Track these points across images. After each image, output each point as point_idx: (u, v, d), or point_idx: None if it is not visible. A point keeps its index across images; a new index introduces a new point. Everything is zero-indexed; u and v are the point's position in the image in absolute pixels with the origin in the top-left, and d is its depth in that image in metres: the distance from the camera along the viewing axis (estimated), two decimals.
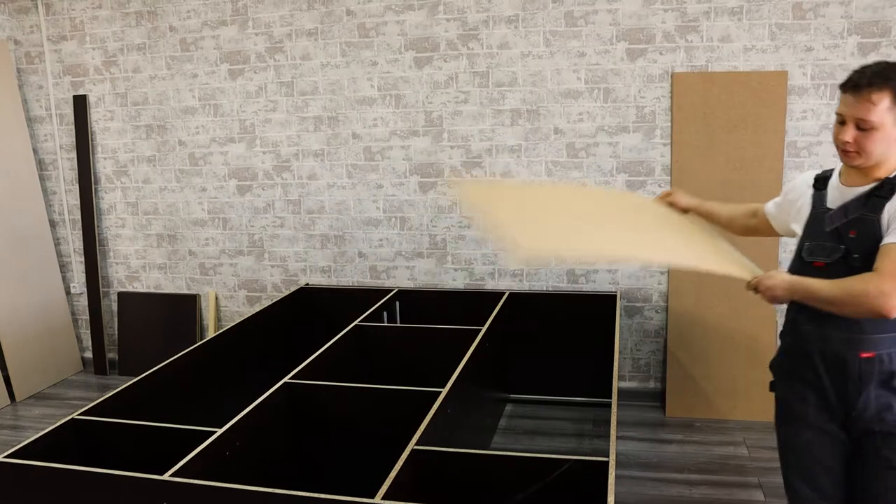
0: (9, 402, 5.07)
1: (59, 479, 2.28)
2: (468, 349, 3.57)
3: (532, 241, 2.13)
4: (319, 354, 3.39)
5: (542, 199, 2.62)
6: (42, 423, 4.68)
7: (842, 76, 4.08)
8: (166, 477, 2.21)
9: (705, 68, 4.27)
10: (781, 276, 2.21)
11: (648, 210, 2.78)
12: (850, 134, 2.04)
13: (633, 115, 4.40)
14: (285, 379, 3.09)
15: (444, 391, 2.89)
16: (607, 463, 2.26)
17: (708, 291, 4.41)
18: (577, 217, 2.51)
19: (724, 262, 2.48)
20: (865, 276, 2.00)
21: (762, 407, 4.39)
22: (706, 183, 4.34)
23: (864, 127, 2.02)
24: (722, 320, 4.41)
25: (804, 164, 4.23)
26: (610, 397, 4.40)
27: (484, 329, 3.72)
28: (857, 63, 4.07)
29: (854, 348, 2.13)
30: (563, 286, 4.69)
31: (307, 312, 4.88)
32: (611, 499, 2.02)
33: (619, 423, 4.18)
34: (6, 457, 2.42)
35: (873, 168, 2.10)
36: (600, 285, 4.65)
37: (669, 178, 4.42)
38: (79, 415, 2.84)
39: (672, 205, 2.83)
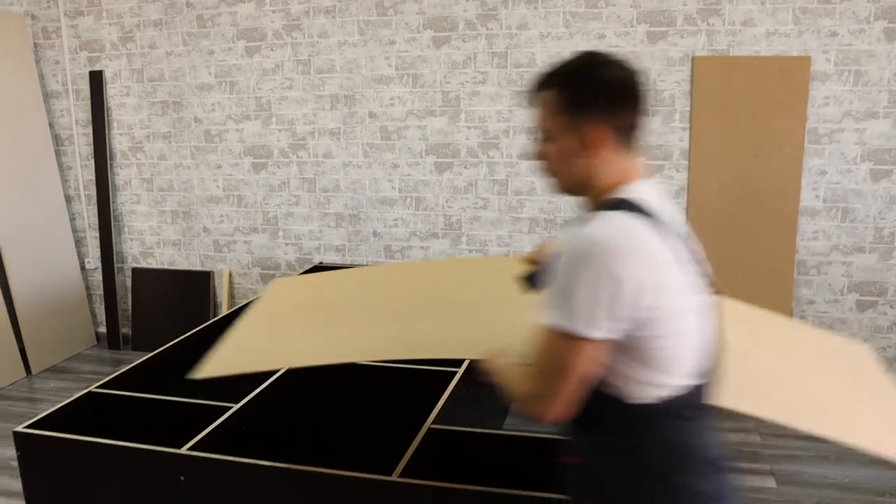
0: (24, 374, 5.10)
1: (79, 451, 2.29)
2: None
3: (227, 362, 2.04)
4: None
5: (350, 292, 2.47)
6: (57, 395, 4.71)
7: (867, 62, 4.07)
8: (184, 451, 2.22)
9: (727, 52, 4.23)
10: (499, 362, 1.63)
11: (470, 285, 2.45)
12: (535, 146, 1.59)
13: (651, 98, 4.37)
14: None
15: (460, 371, 2.89)
16: None
17: (726, 277, 4.36)
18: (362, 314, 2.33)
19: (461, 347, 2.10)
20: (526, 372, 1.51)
21: None
22: (725, 168, 4.31)
23: (542, 137, 1.56)
24: None
25: (825, 151, 4.20)
26: None
27: None
28: (882, 49, 4.06)
29: (565, 449, 1.64)
30: None
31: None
32: None
33: None
34: (26, 427, 2.43)
35: (584, 194, 1.56)
36: None
37: (687, 162, 4.38)
38: (95, 388, 2.85)
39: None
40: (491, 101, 4.59)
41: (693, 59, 4.27)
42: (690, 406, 1.51)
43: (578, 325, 1.37)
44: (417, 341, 2.10)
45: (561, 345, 1.40)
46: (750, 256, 4.34)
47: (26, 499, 2.46)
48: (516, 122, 4.57)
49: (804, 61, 4.12)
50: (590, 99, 1.45)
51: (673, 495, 1.50)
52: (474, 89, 4.60)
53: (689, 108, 4.34)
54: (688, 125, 4.36)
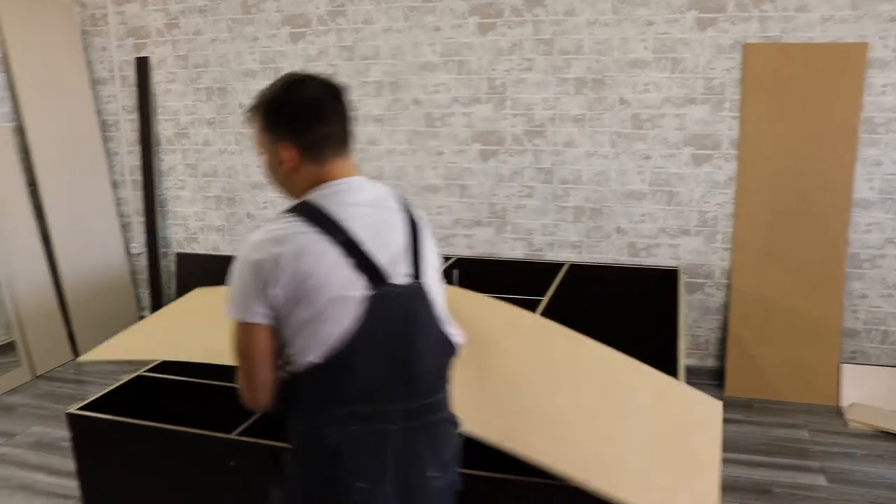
0: (72, 357, 5.17)
1: (129, 433, 2.30)
2: None
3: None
4: None
5: None
6: (104, 378, 4.77)
7: None
8: (234, 436, 2.22)
9: (779, 39, 4.13)
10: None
11: None
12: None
13: (701, 86, 4.28)
14: None
15: None
16: None
17: (774, 269, 4.30)
18: None
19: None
20: None
21: (825, 390, 4.29)
22: (775, 158, 4.22)
23: (257, 151, 1.73)
24: (787, 299, 4.30)
25: (881, 142, 4.09)
26: (669, 374, 4.36)
27: (546, 300, 3.68)
28: None
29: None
30: (624, 259, 4.62)
31: None
32: None
33: None
34: (79, 409, 2.45)
35: (291, 198, 1.72)
36: (661, 260, 4.57)
37: (736, 152, 4.30)
38: (145, 371, 2.87)
39: None
40: (537, 88, 4.54)
41: (744, 46, 4.17)
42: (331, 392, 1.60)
43: (240, 312, 1.58)
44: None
45: (238, 333, 1.61)
46: (799, 249, 4.25)
47: (79, 479, 2.48)
48: (562, 110, 4.52)
49: (861, 48, 4.01)
50: (280, 122, 1.63)
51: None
52: (520, 76, 4.55)
53: (739, 97, 4.25)
54: (738, 114, 4.27)
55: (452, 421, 1.75)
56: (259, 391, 1.62)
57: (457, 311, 2.19)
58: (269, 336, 1.60)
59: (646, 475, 1.88)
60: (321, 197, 1.62)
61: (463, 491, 1.79)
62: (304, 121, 1.62)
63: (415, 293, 1.63)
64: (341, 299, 1.55)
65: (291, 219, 1.58)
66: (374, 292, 1.57)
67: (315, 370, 1.57)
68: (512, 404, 2.03)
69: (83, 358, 2.32)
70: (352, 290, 1.56)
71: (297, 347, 1.59)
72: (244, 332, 1.60)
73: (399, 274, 1.62)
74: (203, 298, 2.71)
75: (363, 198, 1.65)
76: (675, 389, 2.25)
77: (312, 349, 1.56)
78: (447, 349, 1.69)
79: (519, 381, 1.94)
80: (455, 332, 1.73)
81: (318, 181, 1.64)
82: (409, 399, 1.61)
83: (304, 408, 1.63)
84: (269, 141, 1.66)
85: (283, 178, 1.68)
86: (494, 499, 1.99)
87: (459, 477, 1.78)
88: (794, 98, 4.14)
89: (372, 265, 1.58)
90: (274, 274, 1.54)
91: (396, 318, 1.60)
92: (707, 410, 2.20)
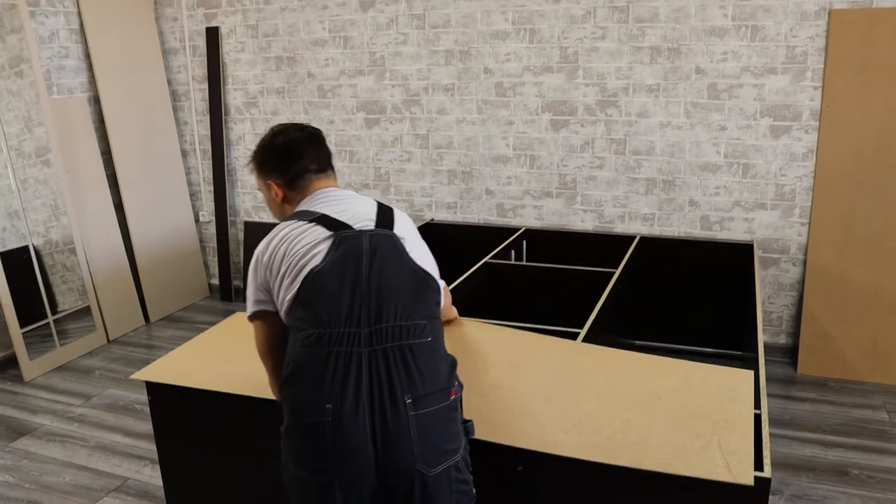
0: (144, 322, 5.28)
1: (205, 400, 2.33)
2: (601, 292, 3.48)
3: None
4: (452, 289, 3.36)
5: None
6: (174, 343, 4.86)
7: None
8: None
9: (868, 4, 3.96)
10: None
11: None
12: None
13: (782, 55, 4.14)
14: None
15: (582, 333, 2.82)
16: (759, 416, 2.14)
17: (853, 245, 4.17)
18: None
19: None
20: None
21: None
22: (858, 131, 4.06)
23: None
24: (866, 276, 4.17)
25: None
26: (740, 350, 4.28)
27: (617, 272, 3.62)
28: None
29: None
30: (696, 232, 4.52)
31: (433, 248, 4.82)
32: (766, 453, 1.92)
33: None
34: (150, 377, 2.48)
35: None
36: (735, 234, 4.46)
37: (817, 123, 4.16)
38: None
39: None
40: (610, 57, 4.44)
41: (830, 12, 4.02)
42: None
43: (250, 308, 1.92)
44: None
45: (253, 329, 1.96)
46: (880, 225, 4.10)
47: (157, 442, 2.53)
48: (636, 80, 4.42)
49: None
50: (266, 166, 2.01)
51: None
52: (593, 45, 4.46)
53: (822, 66, 4.10)
54: (820, 84, 4.12)
55: (452, 404, 1.78)
56: (270, 381, 2.00)
57: (486, 339, 2.37)
58: (271, 324, 1.91)
59: (674, 444, 1.90)
60: (303, 204, 1.96)
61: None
62: (285, 162, 1.97)
63: (377, 234, 1.82)
64: (312, 255, 1.79)
65: (283, 229, 1.89)
66: (335, 234, 1.81)
67: (291, 315, 1.80)
68: (539, 412, 2.06)
69: (136, 376, 2.43)
70: (320, 244, 1.80)
71: (287, 315, 1.83)
72: (254, 327, 1.95)
73: (367, 226, 1.85)
74: (240, 322, 2.83)
75: (335, 194, 1.95)
76: (701, 371, 2.29)
77: (291, 304, 1.81)
78: (420, 281, 1.81)
79: (549, 394, 1.95)
80: (436, 276, 1.89)
81: (303, 203, 1.97)
82: (375, 322, 1.72)
83: (288, 349, 1.82)
84: (262, 182, 2.03)
85: (278, 207, 2.04)
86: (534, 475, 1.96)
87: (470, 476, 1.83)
88: (882, 67, 3.98)
89: (336, 221, 1.84)
90: (264, 259, 1.86)
91: (356, 251, 1.78)
92: (737, 380, 2.22)
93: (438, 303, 1.86)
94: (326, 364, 1.70)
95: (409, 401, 1.67)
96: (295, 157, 1.97)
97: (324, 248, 1.79)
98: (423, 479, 1.69)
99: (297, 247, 1.81)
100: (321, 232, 1.81)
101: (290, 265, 1.80)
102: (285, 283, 1.80)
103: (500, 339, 2.53)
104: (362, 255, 1.77)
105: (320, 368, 1.70)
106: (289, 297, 1.79)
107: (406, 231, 1.90)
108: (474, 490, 1.84)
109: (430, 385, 1.71)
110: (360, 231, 1.81)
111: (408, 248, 1.84)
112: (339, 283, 1.75)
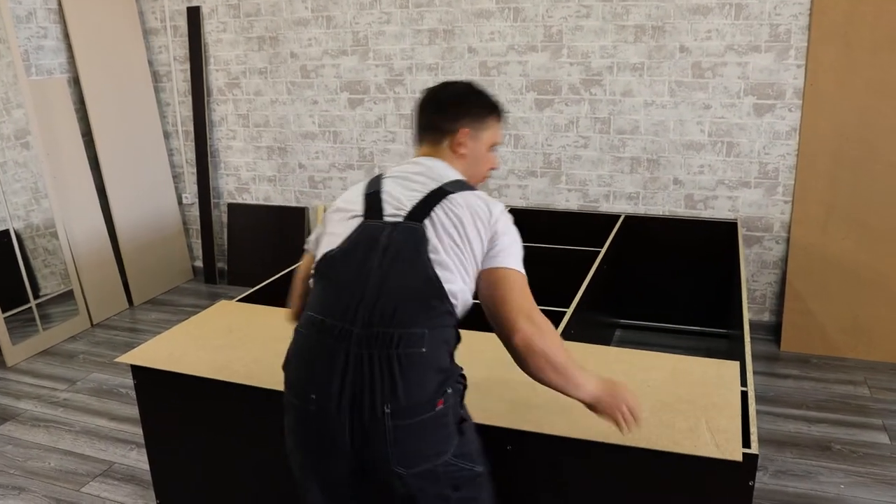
0: (127, 306, 5.26)
1: (191, 385, 2.32)
2: (587, 271, 3.49)
3: None
4: None
5: None
6: (158, 327, 4.84)
7: None
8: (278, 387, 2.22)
9: None
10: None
11: None
12: None
13: (765, 33, 4.14)
14: None
15: (569, 312, 2.83)
16: (745, 393, 2.16)
17: (836, 223, 4.19)
18: None
19: None
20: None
21: (886, 347, 4.20)
22: (841, 109, 4.08)
23: None
24: (848, 254, 4.20)
25: None
26: (725, 328, 4.30)
27: (602, 251, 3.63)
28: None
29: None
30: (681, 211, 4.53)
31: None
32: (753, 429, 1.93)
33: (731, 353, 4.07)
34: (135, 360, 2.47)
35: None
36: (719, 212, 4.47)
37: (801, 101, 4.17)
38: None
39: None
40: (595, 36, 4.42)
41: None
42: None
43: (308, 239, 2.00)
44: None
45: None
46: (863, 203, 4.12)
47: (143, 426, 2.52)
48: (620, 59, 4.41)
49: None
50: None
51: None
52: (577, 24, 4.44)
53: (805, 44, 4.10)
54: (803, 62, 4.12)
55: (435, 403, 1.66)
56: (289, 300, 2.03)
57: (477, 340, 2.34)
58: (309, 261, 1.92)
59: (663, 425, 1.94)
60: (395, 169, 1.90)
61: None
62: (417, 111, 1.93)
63: (400, 228, 1.71)
64: (343, 223, 1.78)
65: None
66: (363, 219, 1.75)
67: (312, 278, 1.81)
68: (530, 399, 2.09)
69: (120, 359, 2.39)
70: (348, 224, 1.77)
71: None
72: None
73: (397, 216, 1.74)
74: (228, 314, 2.81)
75: (408, 168, 1.85)
76: (688, 363, 2.33)
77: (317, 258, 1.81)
78: (431, 287, 1.67)
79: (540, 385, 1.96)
80: (453, 282, 1.70)
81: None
82: (369, 324, 1.63)
83: (298, 323, 1.82)
84: None
85: None
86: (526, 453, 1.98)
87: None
88: (864, 45, 3.99)
89: (376, 204, 1.77)
90: (330, 210, 1.86)
91: (371, 245, 1.71)
92: (724, 370, 2.27)
93: (451, 312, 1.69)
94: (318, 354, 1.67)
95: (388, 411, 1.60)
96: (420, 110, 1.92)
97: (347, 230, 1.75)
98: (401, 475, 1.65)
99: (338, 216, 1.81)
100: (358, 210, 1.78)
101: (326, 232, 1.81)
102: (320, 245, 1.83)
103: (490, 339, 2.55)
104: (376, 250, 1.70)
105: (312, 357, 1.68)
106: (314, 263, 1.81)
107: (446, 223, 1.72)
108: (479, 467, 1.76)
109: (415, 397, 1.62)
110: (385, 223, 1.72)
111: (432, 247, 1.69)
112: (345, 275, 1.70)
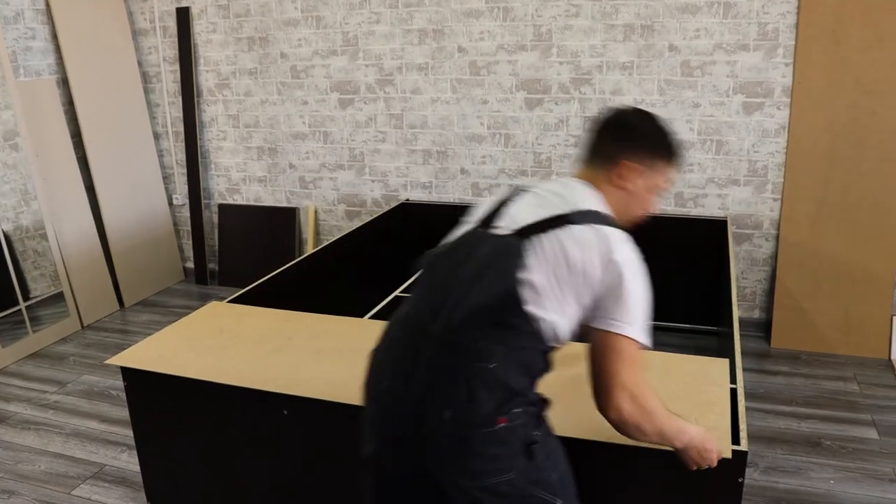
0: (118, 307, 5.24)
1: (179, 386, 2.32)
2: None
3: None
4: None
5: None
6: (149, 328, 4.83)
7: None
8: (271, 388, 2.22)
9: None
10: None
11: None
12: None
13: (754, 32, 4.16)
14: (395, 293, 3.07)
15: None
16: (735, 390, 2.17)
17: (825, 220, 4.21)
18: None
19: None
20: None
21: (876, 343, 4.23)
22: (830, 106, 4.09)
23: None
24: (838, 251, 4.21)
25: None
26: (715, 325, 4.31)
27: None
28: None
29: None
30: (671, 209, 4.55)
31: (408, 228, 4.87)
32: (742, 426, 1.95)
33: (721, 350, 4.08)
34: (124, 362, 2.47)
35: None
36: (709, 210, 4.49)
37: (789, 99, 4.18)
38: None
39: None
40: (584, 35, 4.43)
41: None
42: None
43: None
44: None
45: None
46: (852, 200, 4.14)
47: (133, 428, 2.51)
48: (610, 58, 4.42)
49: None
50: None
51: None
52: (567, 23, 4.45)
53: (793, 42, 4.12)
54: (792, 60, 4.14)
55: (489, 416, 1.61)
56: None
57: None
58: None
59: None
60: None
61: None
62: (589, 129, 1.83)
63: (498, 241, 1.66)
64: (461, 227, 1.80)
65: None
66: (473, 227, 1.75)
67: None
68: None
69: (110, 361, 2.39)
70: (469, 224, 1.78)
71: None
72: None
73: (504, 230, 1.69)
74: (220, 315, 2.82)
75: (553, 187, 1.77)
76: (678, 361, 2.35)
77: None
78: (506, 306, 1.61)
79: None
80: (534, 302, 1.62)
81: None
82: (446, 329, 1.62)
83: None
84: None
85: None
86: None
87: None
88: (852, 43, 4.00)
89: (492, 215, 1.74)
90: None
91: (469, 251, 1.69)
92: (714, 367, 2.29)
93: (536, 336, 1.62)
94: (399, 346, 1.70)
95: (447, 417, 1.58)
96: (590, 132, 1.83)
97: (456, 234, 1.77)
98: (457, 483, 1.62)
99: (465, 221, 1.84)
100: (478, 217, 1.77)
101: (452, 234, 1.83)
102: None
103: None
104: (471, 258, 1.67)
105: (393, 347, 1.71)
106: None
107: (555, 250, 1.62)
108: (558, 500, 1.67)
109: (475, 409, 1.58)
110: (488, 234, 1.69)
111: (526, 268, 1.61)
112: (438, 276, 1.70)
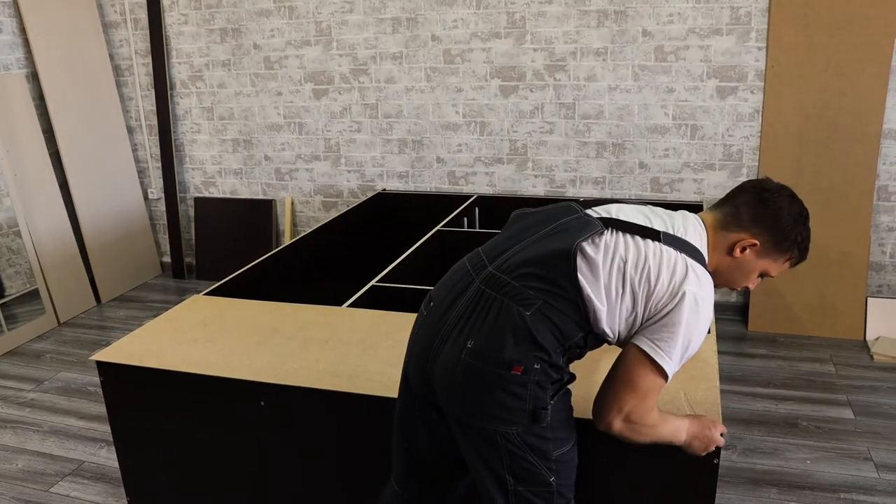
0: (94, 304, 5.20)
1: (156, 379, 2.30)
2: None
3: None
4: (404, 259, 3.36)
5: None
6: (127, 324, 4.79)
7: None
8: (261, 379, 2.21)
9: None
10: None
11: None
12: None
13: (726, 16, 4.17)
14: (372, 282, 3.07)
15: None
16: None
17: None
18: None
19: None
20: None
21: (850, 324, 4.27)
22: (803, 89, 4.12)
23: None
24: (813, 233, 4.21)
25: None
26: None
27: None
28: None
29: None
30: (647, 195, 4.56)
31: (385, 218, 4.86)
32: (717, 410, 1.96)
33: None
34: (104, 356, 2.45)
35: None
36: (685, 195, 4.51)
37: (763, 83, 4.20)
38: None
39: None
40: (558, 21, 4.43)
41: None
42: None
43: None
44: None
45: None
46: (826, 182, 4.18)
47: (111, 423, 2.50)
48: (584, 44, 4.42)
49: None
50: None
51: None
52: (540, 9, 4.44)
53: (766, 26, 4.13)
54: (764, 44, 4.16)
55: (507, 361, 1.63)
56: None
57: None
58: None
59: None
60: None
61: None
62: (739, 189, 1.83)
63: (584, 219, 1.72)
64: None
65: None
66: (568, 203, 1.83)
67: None
68: None
69: (95, 357, 2.37)
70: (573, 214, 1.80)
71: None
72: None
73: (599, 214, 1.76)
74: (198, 305, 2.82)
75: (667, 212, 1.79)
76: None
77: None
78: (560, 263, 1.64)
79: None
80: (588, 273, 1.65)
81: None
82: (499, 268, 1.70)
83: None
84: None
85: None
86: None
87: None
88: (823, 26, 4.03)
89: (594, 204, 1.81)
90: None
91: (555, 218, 1.76)
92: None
93: (578, 308, 1.63)
94: (455, 276, 1.80)
95: (470, 346, 1.63)
96: (744, 190, 1.81)
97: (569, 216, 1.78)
98: (460, 421, 1.70)
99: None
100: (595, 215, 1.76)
101: None
102: None
103: None
104: (552, 223, 1.74)
105: (451, 276, 1.81)
106: None
107: (629, 251, 1.65)
108: (551, 477, 1.69)
109: (495, 346, 1.61)
110: (577, 210, 1.77)
111: (591, 248, 1.65)
112: (517, 228, 1.80)
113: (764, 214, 1.73)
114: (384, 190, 5.01)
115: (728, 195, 1.81)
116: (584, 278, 1.63)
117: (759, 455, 3.15)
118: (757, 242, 1.73)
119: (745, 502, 2.86)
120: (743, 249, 1.74)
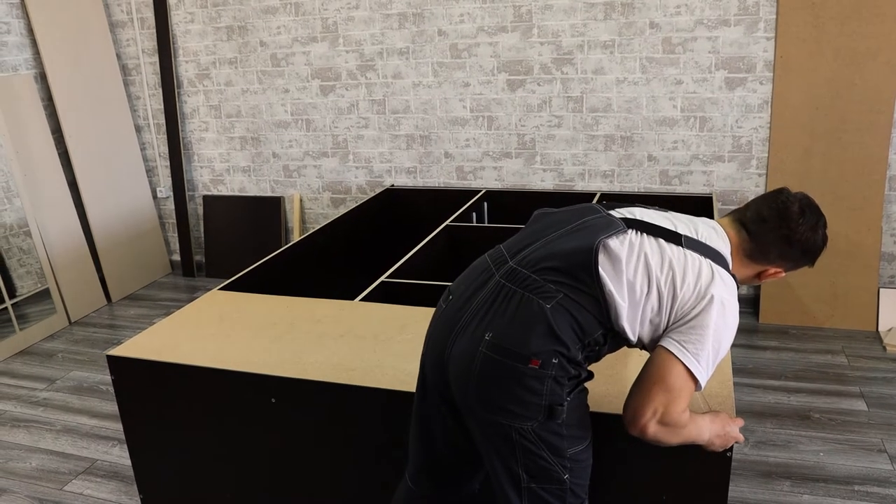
0: (105, 302, 5.21)
1: (168, 374, 2.31)
2: None
3: None
4: (414, 254, 3.36)
5: None
6: (138, 322, 4.80)
7: None
8: (278, 373, 2.22)
9: None
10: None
11: None
12: None
13: (734, 6, 4.15)
14: (382, 278, 3.06)
15: None
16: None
17: (810, 194, 4.20)
18: None
19: None
20: None
21: (862, 315, 4.25)
22: (812, 79, 4.10)
23: None
24: None
25: None
26: None
27: None
28: None
29: None
30: (656, 187, 4.55)
31: (393, 214, 4.86)
32: (731, 403, 1.95)
33: None
34: (119, 352, 2.45)
35: None
36: (694, 187, 4.49)
37: (772, 74, 4.18)
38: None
39: None
40: (564, 14, 4.41)
41: None
42: None
43: None
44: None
45: None
46: (837, 173, 4.15)
47: (122, 420, 2.50)
48: (591, 37, 4.40)
49: None
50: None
51: None
52: (547, 3, 4.42)
53: (774, 17, 4.11)
54: (773, 35, 4.13)
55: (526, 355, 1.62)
56: None
57: None
58: None
59: None
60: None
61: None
62: (760, 199, 1.85)
63: (606, 219, 1.74)
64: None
65: None
66: (592, 203, 1.86)
67: None
68: None
69: (111, 352, 2.38)
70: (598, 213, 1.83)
71: None
72: None
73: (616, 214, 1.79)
74: (220, 303, 2.83)
75: (688, 219, 1.81)
76: None
77: None
78: (580, 258, 1.65)
79: None
80: (609, 270, 1.65)
81: None
82: (519, 263, 1.71)
83: None
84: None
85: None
86: None
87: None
88: (832, 15, 4.00)
89: (618, 206, 1.85)
90: None
91: (576, 218, 1.79)
92: None
93: (598, 302, 1.63)
94: (476, 270, 1.81)
95: (488, 338, 1.63)
96: (764, 202, 1.83)
97: (592, 215, 1.79)
98: (474, 412, 1.68)
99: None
100: (619, 216, 1.77)
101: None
102: None
103: None
104: (574, 221, 1.77)
105: (471, 270, 1.82)
106: None
107: (651, 252, 1.67)
108: (565, 474, 1.68)
109: (514, 339, 1.60)
110: (600, 211, 1.79)
111: (615, 244, 1.66)
112: (539, 226, 1.82)
113: (792, 253, 1.78)
114: (392, 186, 5.01)
115: (752, 219, 1.79)
116: (605, 273, 1.63)
117: (772, 448, 3.14)
118: (783, 271, 1.82)
119: (757, 495, 2.85)
120: (763, 273, 1.82)
